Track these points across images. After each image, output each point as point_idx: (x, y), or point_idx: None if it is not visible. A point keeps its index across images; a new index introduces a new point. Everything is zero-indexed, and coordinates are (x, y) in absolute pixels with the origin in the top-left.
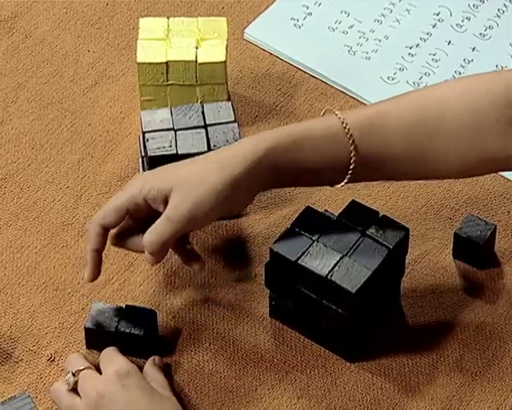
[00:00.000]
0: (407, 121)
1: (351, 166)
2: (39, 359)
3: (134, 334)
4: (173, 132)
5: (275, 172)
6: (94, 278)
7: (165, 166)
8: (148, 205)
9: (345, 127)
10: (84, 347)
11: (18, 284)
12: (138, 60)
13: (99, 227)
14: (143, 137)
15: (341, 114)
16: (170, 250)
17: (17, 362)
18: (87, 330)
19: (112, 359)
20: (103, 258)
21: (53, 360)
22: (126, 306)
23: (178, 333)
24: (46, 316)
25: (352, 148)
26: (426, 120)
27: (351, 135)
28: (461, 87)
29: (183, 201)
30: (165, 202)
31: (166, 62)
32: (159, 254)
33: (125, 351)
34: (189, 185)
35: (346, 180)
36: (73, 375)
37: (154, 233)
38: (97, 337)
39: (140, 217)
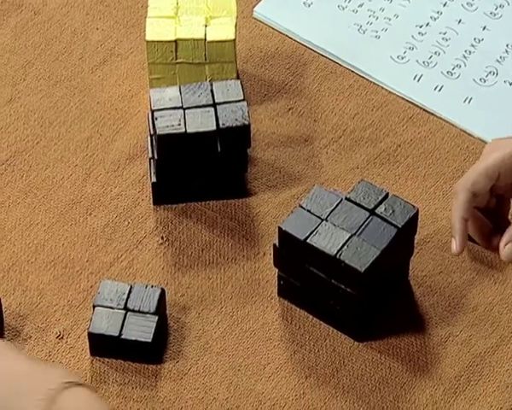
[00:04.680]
0: None
1: None
2: (48, 336)
3: (142, 312)
4: (182, 111)
5: None
6: (463, 249)
7: None
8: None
9: None
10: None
11: (27, 262)
12: (147, 38)
13: (470, 194)
14: (152, 115)
15: None
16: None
17: (26, 339)
18: (95, 308)
19: None
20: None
21: (62, 337)
22: (135, 284)
23: (187, 312)
24: (55, 294)
25: None
26: None
27: None
28: None
29: None
30: None
31: (175, 40)
32: None
33: (133, 331)
34: None
35: None
36: None
37: None
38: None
39: (497, 193)
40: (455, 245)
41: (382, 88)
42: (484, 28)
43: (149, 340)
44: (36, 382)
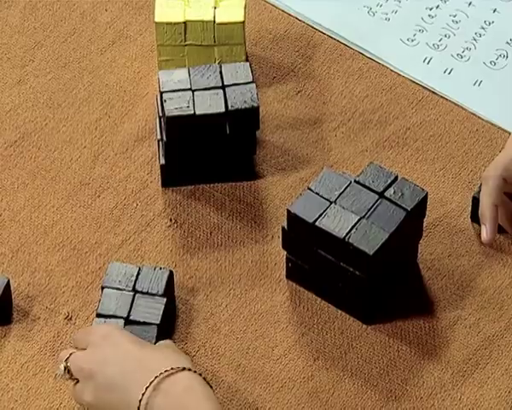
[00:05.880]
0: None
1: None
2: (56, 317)
3: (151, 294)
4: (191, 93)
5: None
6: (494, 236)
7: None
8: None
9: None
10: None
11: (35, 243)
12: (156, 19)
13: (500, 180)
14: (161, 97)
15: None
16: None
17: (34, 320)
18: (104, 289)
19: (88, 331)
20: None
21: (70, 318)
22: (143, 266)
23: (195, 294)
24: (63, 275)
25: None
26: None
27: None
28: None
29: None
30: None
31: (184, 22)
32: None
33: (141, 313)
34: None
35: None
36: (65, 368)
37: None
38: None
39: None
40: (485, 233)
41: (392, 71)
42: (494, 11)
43: (157, 322)
44: (141, 369)
